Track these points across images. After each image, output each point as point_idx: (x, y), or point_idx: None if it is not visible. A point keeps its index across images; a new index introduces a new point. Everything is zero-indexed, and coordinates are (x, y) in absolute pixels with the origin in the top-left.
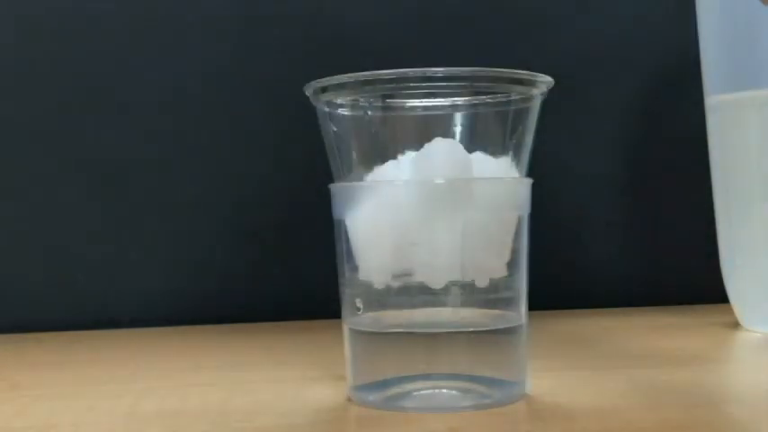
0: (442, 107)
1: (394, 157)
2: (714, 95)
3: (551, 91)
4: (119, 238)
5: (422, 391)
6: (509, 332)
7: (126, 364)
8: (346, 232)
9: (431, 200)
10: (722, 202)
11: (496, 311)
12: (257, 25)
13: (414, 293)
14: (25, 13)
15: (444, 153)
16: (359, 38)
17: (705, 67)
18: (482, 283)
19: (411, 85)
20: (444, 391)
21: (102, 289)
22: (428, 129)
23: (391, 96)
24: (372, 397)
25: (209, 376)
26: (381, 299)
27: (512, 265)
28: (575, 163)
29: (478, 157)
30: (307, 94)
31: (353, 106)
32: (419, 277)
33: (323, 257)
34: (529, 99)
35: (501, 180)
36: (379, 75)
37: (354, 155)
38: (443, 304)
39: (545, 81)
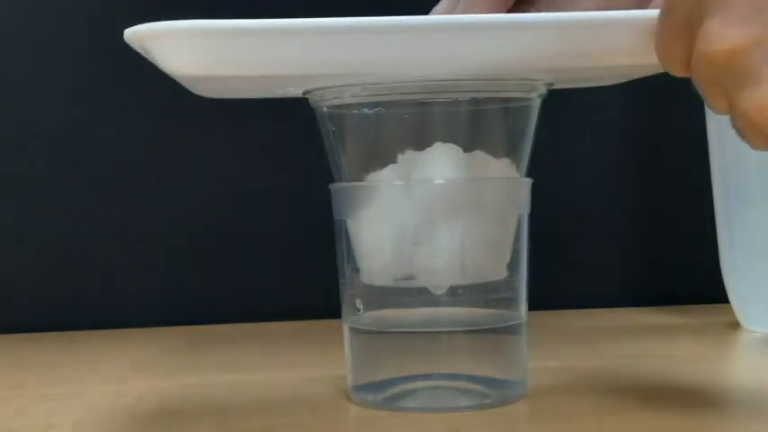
0: (443, 107)
1: (394, 157)
2: None
3: (551, 91)
4: (119, 238)
5: (422, 391)
6: (509, 332)
7: (126, 364)
8: (347, 232)
9: (431, 200)
10: (722, 202)
11: (496, 311)
12: None
13: (414, 293)
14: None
15: (444, 159)
16: None
17: None
18: (482, 283)
19: (411, 85)
20: (444, 390)
21: (101, 289)
22: (428, 129)
23: (391, 96)
24: (372, 397)
25: (209, 376)
26: (381, 299)
27: (512, 265)
28: (575, 163)
29: (479, 156)
30: (305, 95)
31: (353, 106)
32: (421, 282)
33: (323, 257)
34: (529, 99)
35: (501, 180)
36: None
37: (354, 155)
38: (443, 304)
39: (545, 81)
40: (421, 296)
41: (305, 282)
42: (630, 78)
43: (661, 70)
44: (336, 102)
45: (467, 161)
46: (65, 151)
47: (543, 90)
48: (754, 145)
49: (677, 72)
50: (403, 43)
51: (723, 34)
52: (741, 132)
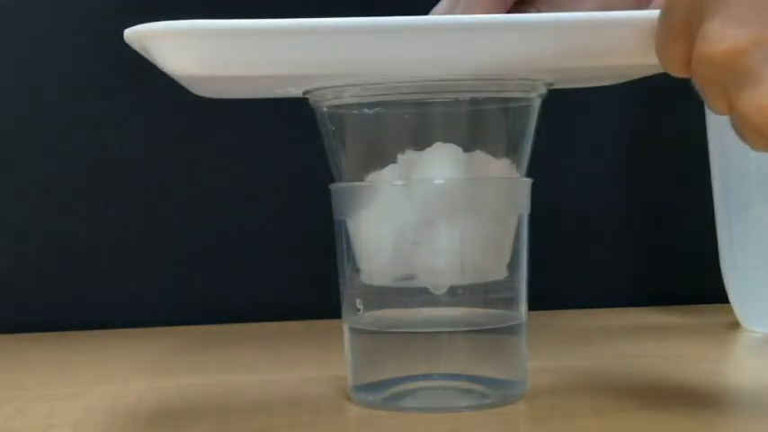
0: (443, 107)
1: (394, 157)
2: None
3: (551, 91)
4: (119, 238)
5: (422, 391)
6: (509, 332)
7: (126, 364)
8: (347, 232)
9: (431, 200)
10: (722, 202)
11: (496, 311)
12: None
13: (414, 293)
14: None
15: (444, 159)
16: None
17: None
18: (482, 283)
19: (411, 85)
20: (444, 390)
21: (101, 289)
22: (428, 129)
23: (391, 96)
24: (372, 397)
25: (209, 376)
26: (381, 299)
27: (512, 265)
28: (575, 163)
29: (479, 156)
30: (305, 95)
31: (353, 106)
32: (421, 282)
33: (323, 257)
34: (529, 99)
35: (501, 180)
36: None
37: (354, 155)
38: (443, 304)
39: (545, 81)
40: (421, 296)
41: (305, 282)
42: (630, 78)
43: (661, 70)
44: (336, 102)
45: (467, 161)
46: (65, 151)
47: (543, 90)
48: (753, 146)
49: (677, 73)
50: (403, 43)
51: (723, 35)
52: (741, 133)
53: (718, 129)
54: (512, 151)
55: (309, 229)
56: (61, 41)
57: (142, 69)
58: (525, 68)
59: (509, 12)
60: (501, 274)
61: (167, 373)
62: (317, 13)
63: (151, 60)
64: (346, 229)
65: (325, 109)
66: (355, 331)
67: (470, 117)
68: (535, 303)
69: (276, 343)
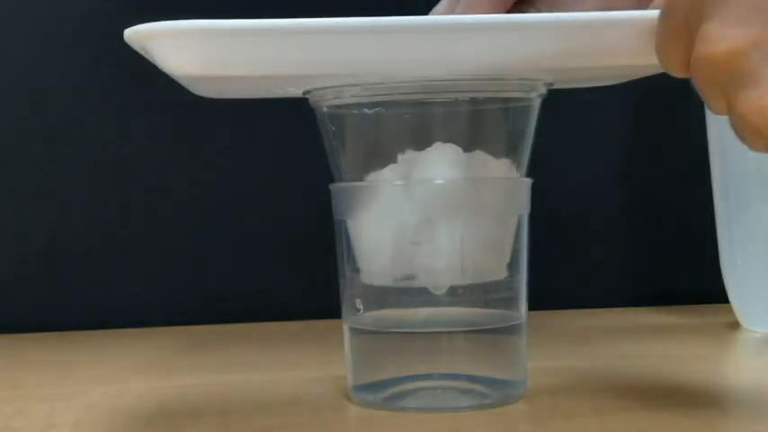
0: (443, 107)
1: (394, 157)
2: None
3: (551, 91)
4: (119, 239)
5: (422, 391)
6: (509, 332)
7: (126, 364)
8: (347, 232)
9: (431, 200)
10: (722, 202)
11: (496, 311)
12: None
13: (414, 293)
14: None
15: (444, 159)
16: None
17: None
18: (482, 283)
19: (411, 85)
20: (444, 391)
21: (101, 289)
22: (428, 129)
23: (391, 96)
24: (372, 397)
25: (209, 376)
26: (381, 299)
27: (511, 265)
28: (575, 163)
29: (479, 156)
30: (305, 95)
31: (353, 106)
32: (421, 282)
33: (323, 257)
34: (529, 99)
35: (501, 180)
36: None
37: (354, 155)
38: (443, 304)
39: (545, 81)
40: (421, 296)
41: (305, 282)
42: (630, 78)
43: (661, 70)
44: (336, 102)
45: (467, 161)
46: (65, 151)
47: (543, 90)
48: (753, 146)
49: (677, 73)
50: (403, 43)
51: (722, 35)
52: (740, 134)
53: (718, 129)
54: (512, 151)
55: (309, 229)
56: (61, 41)
57: (142, 69)
58: (525, 68)
59: (509, 12)
60: (501, 274)
61: (167, 373)
62: (317, 13)
63: (151, 60)
64: (346, 229)
65: (325, 109)
66: (355, 331)
67: (470, 117)
68: (535, 303)
69: (276, 343)
